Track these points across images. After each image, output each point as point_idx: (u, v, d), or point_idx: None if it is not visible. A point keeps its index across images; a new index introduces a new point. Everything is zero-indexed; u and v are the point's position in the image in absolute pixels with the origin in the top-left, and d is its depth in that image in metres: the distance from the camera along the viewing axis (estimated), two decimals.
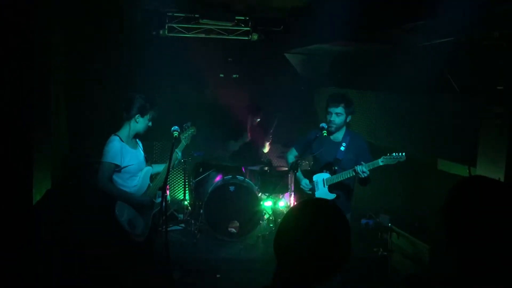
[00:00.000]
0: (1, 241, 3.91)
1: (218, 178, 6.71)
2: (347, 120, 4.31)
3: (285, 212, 4.50)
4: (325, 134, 4.18)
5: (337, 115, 4.22)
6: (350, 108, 4.28)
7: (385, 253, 5.24)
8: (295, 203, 1.66)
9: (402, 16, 3.79)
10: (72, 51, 5.58)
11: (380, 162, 4.01)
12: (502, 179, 3.44)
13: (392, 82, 5.20)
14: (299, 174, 4.43)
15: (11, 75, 3.97)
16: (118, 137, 3.97)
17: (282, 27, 6.56)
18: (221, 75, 7.61)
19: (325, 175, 4.32)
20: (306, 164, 6.20)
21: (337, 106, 4.21)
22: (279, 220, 1.48)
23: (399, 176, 5.86)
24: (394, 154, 4.00)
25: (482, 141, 3.71)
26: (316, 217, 1.58)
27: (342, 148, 4.28)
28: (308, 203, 1.68)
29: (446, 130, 4.45)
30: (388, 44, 5.15)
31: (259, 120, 7.09)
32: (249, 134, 7.01)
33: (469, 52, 4.10)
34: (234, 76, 7.65)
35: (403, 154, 3.99)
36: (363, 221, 6.13)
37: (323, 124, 4.25)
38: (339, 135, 4.35)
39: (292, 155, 4.66)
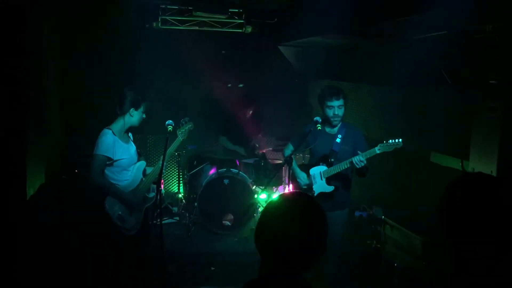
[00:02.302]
0: None
1: (212, 171, 6.72)
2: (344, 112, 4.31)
3: None
4: (319, 127, 4.18)
5: (340, 107, 4.20)
6: (347, 100, 4.29)
7: (379, 245, 5.27)
8: (274, 198, 1.73)
9: (396, 10, 3.80)
10: (65, 45, 5.54)
11: (377, 150, 3.98)
12: (494, 172, 3.47)
13: (386, 75, 5.21)
14: (295, 167, 4.43)
15: (4, 70, 3.94)
16: (110, 131, 3.97)
17: (276, 19, 6.54)
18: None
19: (322, 168, 4.31)
20: (300, 157, 6.22)
21: (338, 98, 4.18)
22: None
23: (393, 169, 5.89)
24: (390, 141, 3.96)
25: (474, 135, 3.73)
26: (294, 210, 1.65)
27: (338, 140, 4.28)
28: (286, 196, 1.76)
29: (439, 123, 4.47)
30: (382, 37, 5.15)
31: (251, 112, 7.08)
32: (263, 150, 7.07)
33: (462, 46, 4.11)
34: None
35: (400, 140, 3.95)
36: (357, 213, 6.15)
37: (317, 118, 4.24)
38: (335, 128, 4.35)
39: (289, 149, 4.64)
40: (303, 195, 1.76)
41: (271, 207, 1.70)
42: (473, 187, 1.53)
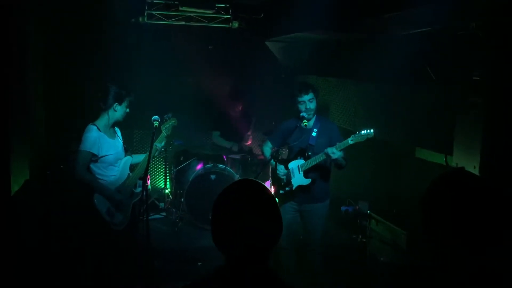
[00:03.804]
0: None
1: (199, 167, 6.72)
2: (317, 105, 4.42)
3: None
4: (305, 123, 4.23)
5: (310, 101, 4.32)
6: (317, 93, 4.42)
7: (364, 240, 5.32)
8: (223, 189, 1.72)
9: (381, 7, 3.82)
10: (50, 40, 5.49)
11: (350, 140, 4.09)
12: (477, 167, 3.52)
13: (371, 71, 5.25)
14: (273, 163, 4.47)
15: None
16: (95, 127, 3.97)
17: (262, 15, 6.53)
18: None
19: (300, 162, 4.39)
20: (285, 152, 6.24)
21: (307, 93, 4.32)
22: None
23: (378, 164, 5.95)
24: (362, 131, 4.07)
25: (458, 130, 3.78)
26: (245, 197, 1.64)
27: (314, 134, 4.37)
28: (233, 186, 1.73)
29: (423, 119, 4.52)
30: (367, 33, 5.19)
31: (241, 107, 7.07)
32: (248, 142, 7.05)
33: (446, 43, 4.16)
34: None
35: (371, 130, 4.05)
36: (343, 208, 6.21)
37: (304, 114, 4.29)
38: (310, 122, 4.41)
39: (268, 147, 4.71)
40: (247, 180, 1.76)
41: (221, 202, 1.68)
42: (455, 186, 1.56)
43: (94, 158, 3.96)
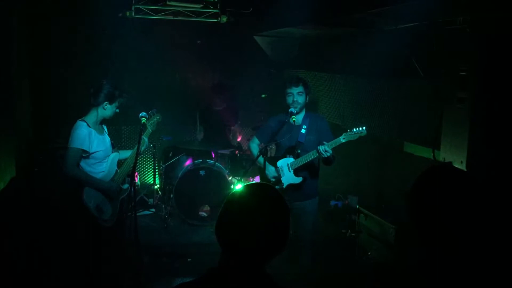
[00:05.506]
0: None
1: (188, 162, 6.70)
2: (306, 101, 4.37)
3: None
4: (293, 119, 4.20)
5: (299, 94, 4.29)
6: (308, 88, 4.37)
7: (353, 234, 5.34)
8: (237, 188, 1.71)
9: (369, 1, 3.82)
10: (36, 35, 5.42)
11: (342, 139, 4.03)
12: (464, 162, 3.54)
13: (359, 65, 5.26)
14: (260, 160, 4.42)
15: None
16: (85, 123, 3.94)
17: (251, 9, 6.50)
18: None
19: (289, 160, 4.34)
20: (273, 148, 6.25)
21: (297, 85, 4.28)
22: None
23: (367, 158, 5.97)
24: (354, 129, 4.01)
25: (445, 125, 3.79)
26: (259, 202, 1.62)
27: (303, 131, 4.33)
28: (250, 187, 1.72)
29: (411, 113, 4.53)
30: (355, 28, 5.19)
31: (224, 98, 7.04)
32: (238, 138, 7.04)
33: (433, 37, 4.17)
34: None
35: (364, 128, 3.99)
36: (332, 202, 6.24)
37: (292, 109, 4.26)
38: (299, 118, 4.38)
39: (254, 143, 4.67)
40: (268, 186, 1.74)
41: (234, 198, 1.67)
42: (441, 183, 1.56)
43: (85, 154, 3.94)
